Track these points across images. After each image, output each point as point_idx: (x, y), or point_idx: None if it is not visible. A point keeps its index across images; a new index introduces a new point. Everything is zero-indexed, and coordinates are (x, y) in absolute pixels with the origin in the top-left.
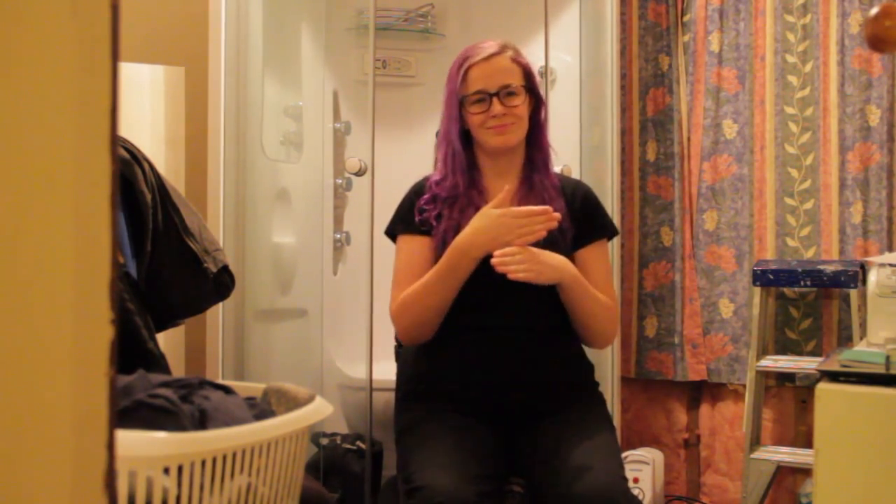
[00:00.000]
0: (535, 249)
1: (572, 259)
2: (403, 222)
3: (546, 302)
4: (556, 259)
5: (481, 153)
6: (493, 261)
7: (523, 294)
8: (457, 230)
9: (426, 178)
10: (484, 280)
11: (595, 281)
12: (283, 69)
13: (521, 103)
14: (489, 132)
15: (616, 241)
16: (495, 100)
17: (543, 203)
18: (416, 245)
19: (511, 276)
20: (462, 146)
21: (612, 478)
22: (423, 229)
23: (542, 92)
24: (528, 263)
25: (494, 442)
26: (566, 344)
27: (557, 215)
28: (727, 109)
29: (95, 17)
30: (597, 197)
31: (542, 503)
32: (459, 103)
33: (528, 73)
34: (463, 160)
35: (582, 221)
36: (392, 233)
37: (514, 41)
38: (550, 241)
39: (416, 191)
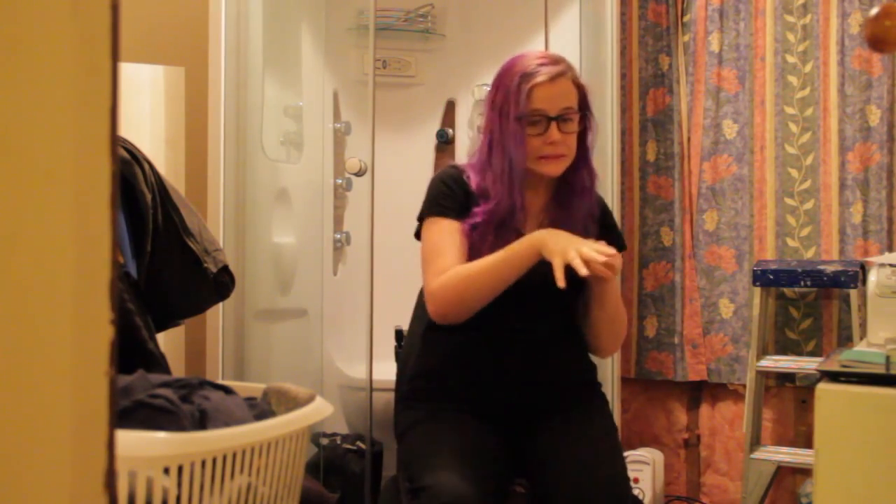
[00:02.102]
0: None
1: None
2: (438, 206)
3: (549, 302)
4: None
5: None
6: (602, 260)
7: (527, 294)
8: (493, 246)
9: (452, 167)
10: None
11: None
12: (283, 69)
13: (574, 131)
14: (542, 161)
15: None
16: (554, 124)
17: (578, 226)
18: (451, 226)
19: (598, 273)
20: (524, 164)
21: (615, 478)
22: (459, 216)
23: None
24: (615, 270)
25: (498, 442)
26: (569, 344)
27: (614, 268)
28: (727, 109)
29: (95, 17)
30: (609, 211)
31: (545, 503)
32: (513, 122)
33: (583, 95)
34: (521, 176)
35: (602, 235)
36: (424, 217)
37: (514, 41)
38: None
39: (446, 179)
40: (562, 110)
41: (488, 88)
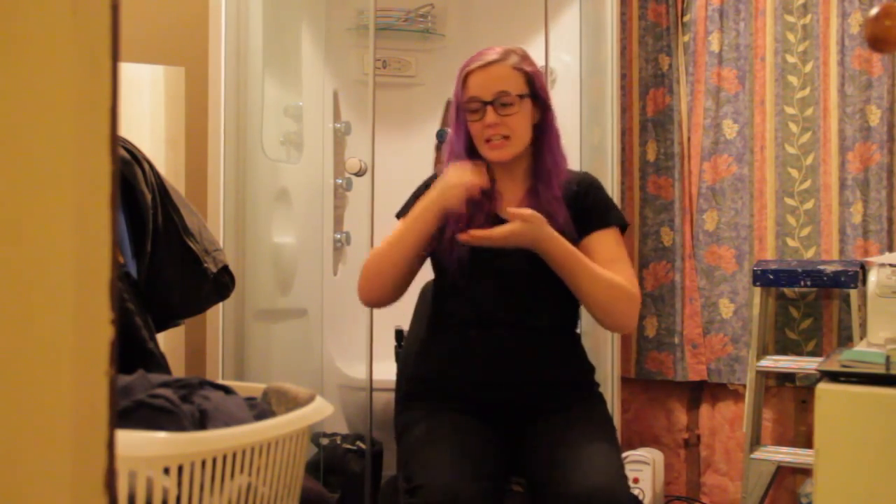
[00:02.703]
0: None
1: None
2: (405, 207)
3: (547, 300)
4: (542, 227)
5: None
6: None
7: (524, 293)
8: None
9: (436, 175)
10: (485, 279)
11: (604, 264)
12: (283, 69)
13: (515, 113)
14: (486, 146)
15: None
16: (490, 108)
17: (543, 212)
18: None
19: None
20: (468, 153)
21: (612, 478)
22: None
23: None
24: (500, 231)
25: (495, 441)
26: (567, 343)
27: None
28: (727, 109)
29: (95, 17)
30: (602, 189)
31: (543, 503)
32: (459, 112)
33: (531, 80)
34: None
35: (584, 212)
36: (398, 216)
37: (514, 41)
38: None
39: (424, 185)
40: (496, 94)
41: None
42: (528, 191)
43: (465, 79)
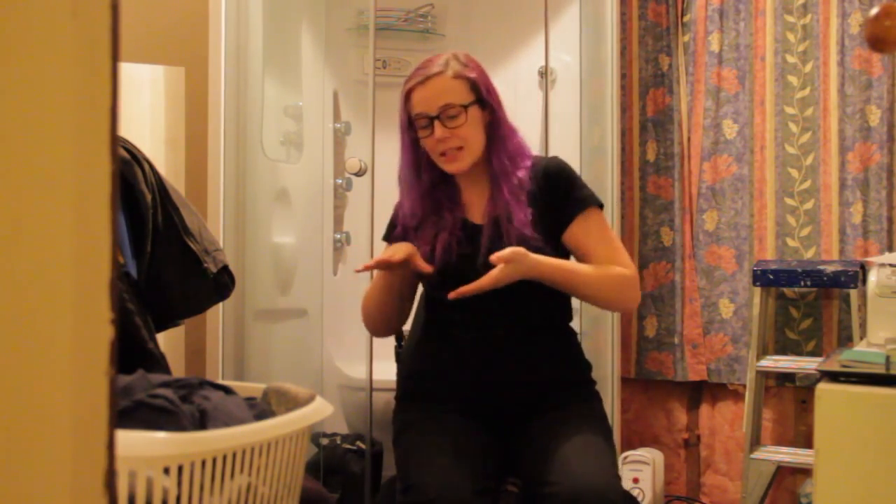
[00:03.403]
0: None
1: (562, 243)
2: (386, 231)
3: (541, 300)
4: (518, 263)
5: None
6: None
7: (518, 293)
8: (432, 250)
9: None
10: (455, 281)
11: (594, 253)
12: (283, 69)
13: (463, 123)
14: (441, 159)
15: None
16: (437, 123)
17: (501, 211)
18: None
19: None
20: (419, 169)
21: (604, 477)
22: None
23: (500, 97)
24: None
25: (489, 441)
26: (561, 342)
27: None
28: (727, 109)
29: (95, 17)
30: (570, 170)
31: (537, 502)
32: (406, 133)
33: (475, 86)
34: (416, 186)
35: (558, 201)
36: (385, 240)
37: (514, 41)
38: (521, 240)
39: (392, 216)
40: (441, 108)
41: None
42: (489, 197)
43: (407, 95)
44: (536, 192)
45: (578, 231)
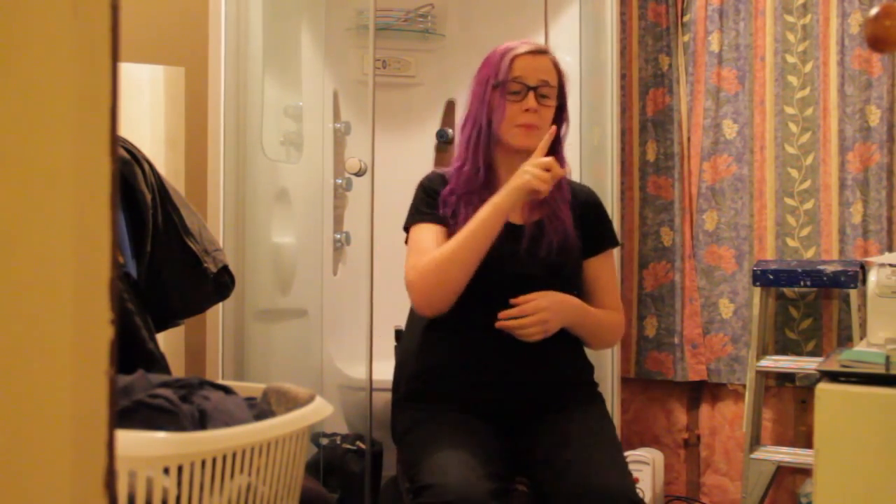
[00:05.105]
0: (541, 302)
1: (582, 267)
2: (419, 213)
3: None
4: (561, 306)
5: (500, 152)
6: (500, 325)
7: (522, 294)
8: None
9: (433, 172)
10: (485, 280)
11: (603, 291)
12: (283, 69)
13: (550, 106)
14: (517, 130)
15: None
16: (532, 93)
17: (546, 208)
18: (432, 230)
19: (525, 339)
20: (486, 136)
21: (620, 477)
22: (440, 219)
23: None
24: (535, 327)
25: (498, 441)
26: (566, 343)
27: (561, 171)
28: (727, 109)
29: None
30: (604, 208)
31: (548, 502)
32: (493, 90)
33: (562, 83)
34: (487, 140)
35: (592, 230)
36: (408, 227)
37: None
38: (561, 248)
39: (425, 185)
40: (540, 82)
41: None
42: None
43: (512, 60)
44: (574, 215)
45: (598, 265)
